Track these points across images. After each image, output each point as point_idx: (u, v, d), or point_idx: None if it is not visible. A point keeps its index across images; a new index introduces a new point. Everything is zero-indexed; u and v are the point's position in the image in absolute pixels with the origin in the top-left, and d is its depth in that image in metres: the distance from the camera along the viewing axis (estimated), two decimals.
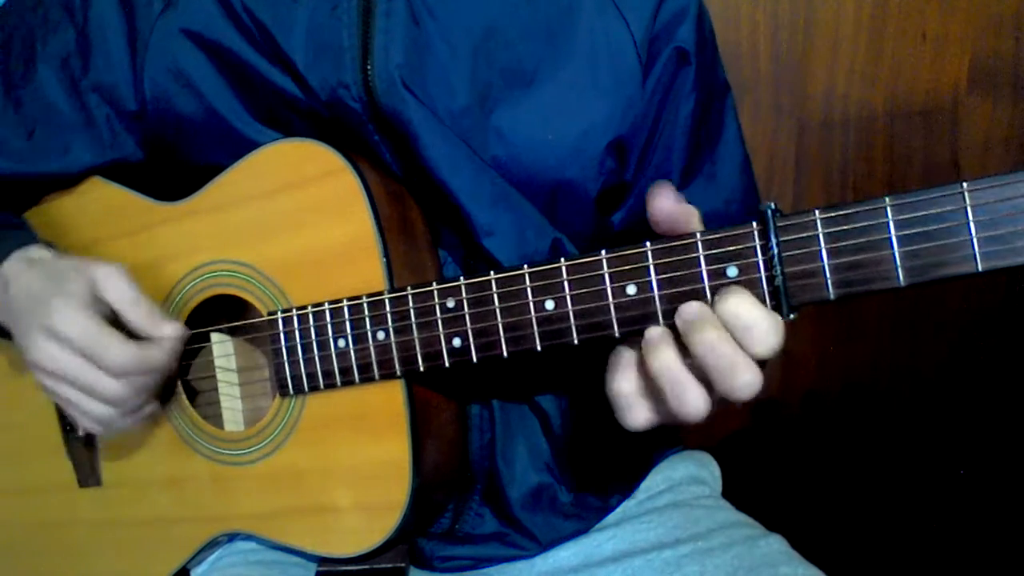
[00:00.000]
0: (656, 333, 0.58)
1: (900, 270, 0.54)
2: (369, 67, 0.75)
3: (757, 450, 1.59)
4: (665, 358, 0.57)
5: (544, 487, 0.84)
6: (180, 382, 0.82)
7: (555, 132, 0.77)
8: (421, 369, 0.70)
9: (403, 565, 0.77)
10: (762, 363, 0.57)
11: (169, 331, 0.74)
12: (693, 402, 0.57)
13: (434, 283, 0.69)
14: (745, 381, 0.55)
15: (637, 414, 0.60)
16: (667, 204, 0.59)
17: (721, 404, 0.60)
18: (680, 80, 0.80)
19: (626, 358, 0.60)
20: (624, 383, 0.60)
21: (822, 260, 0.56)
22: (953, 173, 1.44)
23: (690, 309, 0.57)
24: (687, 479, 0.91)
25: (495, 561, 0.85)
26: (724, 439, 1.58)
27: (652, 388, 0.59)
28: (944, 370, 1.54)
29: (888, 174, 1.45)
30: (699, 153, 0.82)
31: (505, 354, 0.66)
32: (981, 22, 1.38)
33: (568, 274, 0.63)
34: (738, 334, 0.55)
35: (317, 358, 0.74)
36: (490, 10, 0.77)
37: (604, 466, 0.87)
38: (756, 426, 1.59)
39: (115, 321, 0.74)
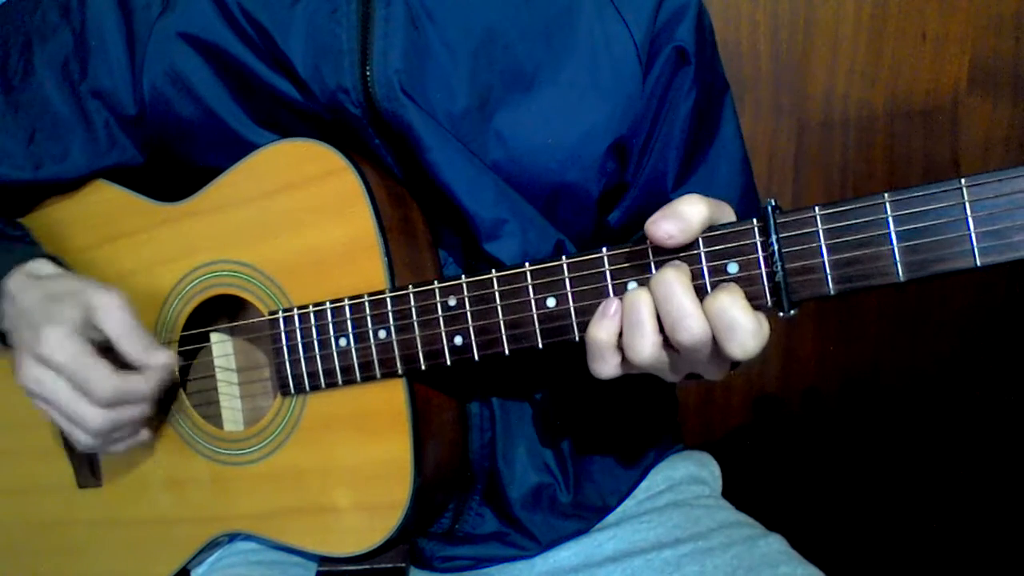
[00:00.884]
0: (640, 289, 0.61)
1: (899, 265, 0.54)
2: (368, 72, 0.75)
3: (757, 449, 1.59)
4: (637, 296, 0.60)
5: (544, 487, 0.83)
6: (180, 382, 0.82)
7: (556, 135, 0.77)
8: (423, 367, 0.70)
9: (403, 565, 0.76)
10: (736, 364, 0.59)
11: (160, 360, 0.74)
12: (643, 345, 0.60)
13: (435, 281, 0.69)
14: (689, 326, 0.58)
15: (607, 364, 0.63)
16: (670, 229, 0.60)
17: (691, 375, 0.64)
18: (679, 79, 0.80)
19: (612, 308, 0.62)
20: (602, 332, 0.62)
21: (822, 256, 0.56)
22: (953, 173, 1.43)
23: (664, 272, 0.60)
24: (687, 479, 0.91)
25: (495, 561, 0.85)
26: (724, 438, 1.58)
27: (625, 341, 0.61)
28: (944, 369, 1.54)
29: (888, 174, 1.45)
30: (696, 152, 0.82)
31: (507, 352, 0.67)
32: (981, 22, 1.38)
33: (569, 271, 0.64)
34: (722, 330, 0.57)
35: (318, 357, 0.74)
36: (489, 13, 0.77)
37: (604, 466, 0.87)
38: (756, 425, 1.59)
39: (108, 347, 0.74)
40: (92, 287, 0.75)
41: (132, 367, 0.74)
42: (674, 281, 0.58)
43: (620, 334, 0.61)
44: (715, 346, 0.59)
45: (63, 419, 0.74)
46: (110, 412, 0.73)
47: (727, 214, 0.62)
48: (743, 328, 0.57)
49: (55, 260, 0.81)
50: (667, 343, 0.60)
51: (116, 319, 0.73)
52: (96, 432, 0.74)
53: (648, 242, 0.60)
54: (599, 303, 0.62)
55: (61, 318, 0.72)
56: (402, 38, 0.75)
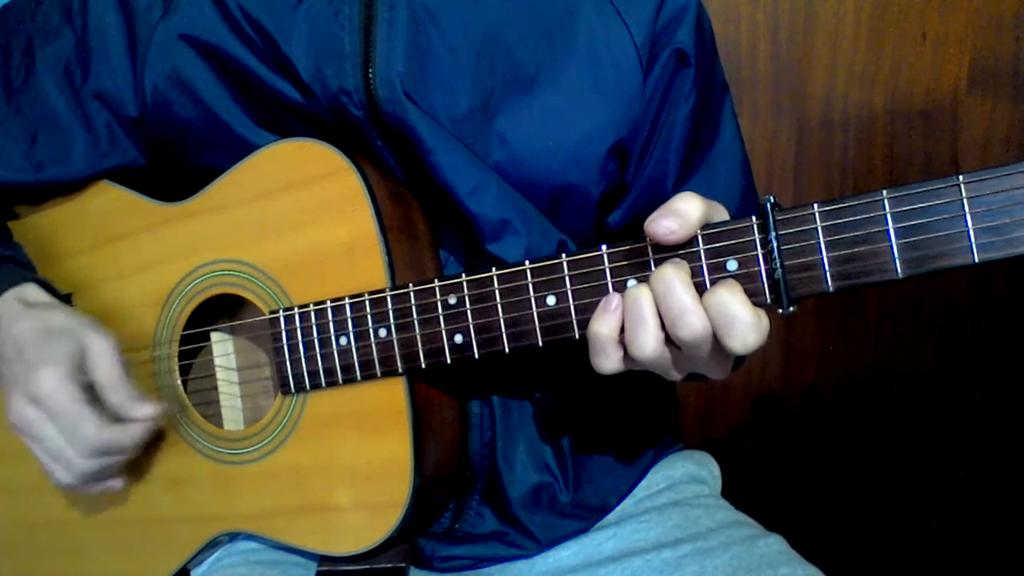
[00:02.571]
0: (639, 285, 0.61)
1: (898, 262, 0.55)
2: (371, 74, 0.75)
3: (757, 449, 1.59)
4: (639, 291, 0.60)
5: (544, 486, 0.83)
6: (181, 382, 0.82)
7: (557, 136, 0.77)
8: (423, 366, 0.70)
9: (403, 565, 0.77)
10: (739, 363, 0.58)
11: (143, 414, 0.75)
12: (645, 341, 0.60)
13: (436, 280, 0.69)
14: (689, 321, 0.58)
15: (610, 359, 0.62)
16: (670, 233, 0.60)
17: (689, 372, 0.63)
18: (679, 81, 0.80)
19: (614, 303, 0.61)
20: (603, 327, 0.61)
21: (821, 253, 0.56)
22: (953, 173, 1.43)
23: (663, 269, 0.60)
24: (687, 478, 0.91)
25: (495, 561, 0.85)
26: (724, 437, 1.58)
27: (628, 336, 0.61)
28: (944, 368, 1.54)
29: (888, 174, 1.46)
30: (696, 153, 0.82)
31: (507, 350, 0.67)
32: (981, 22, 1.39)
33: (569, 269, 0.64)
34: (722, 325, 0.57)
35: (319, 356, 0.74)
36: (491, 15, 0.77)
37: (604, 465, 0.87)
38: (756, 424, 1.59)
39: (94, 394, 0.75)
40: (86, 328, 0.76)
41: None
42: (673, 277, 0.58)
43: (622, 330, 0.61)
44: (716, 342, 0.59)
45: (46, 459, 0.76)
46: (93, 460, 0.75)
47: (721, 213, 0.62)
48: (743, 322, 0.57)
49: (44, 285, 0.81)
50: (668, 340, 0.60)
51: (106, 368, 0.74)
52: (78, 475, 0.76)
53: (647, 240, 0.61)
54: (599, 301, 0.62)
55: (56, 358, 0.73)
56: (405, 41, 0.75)
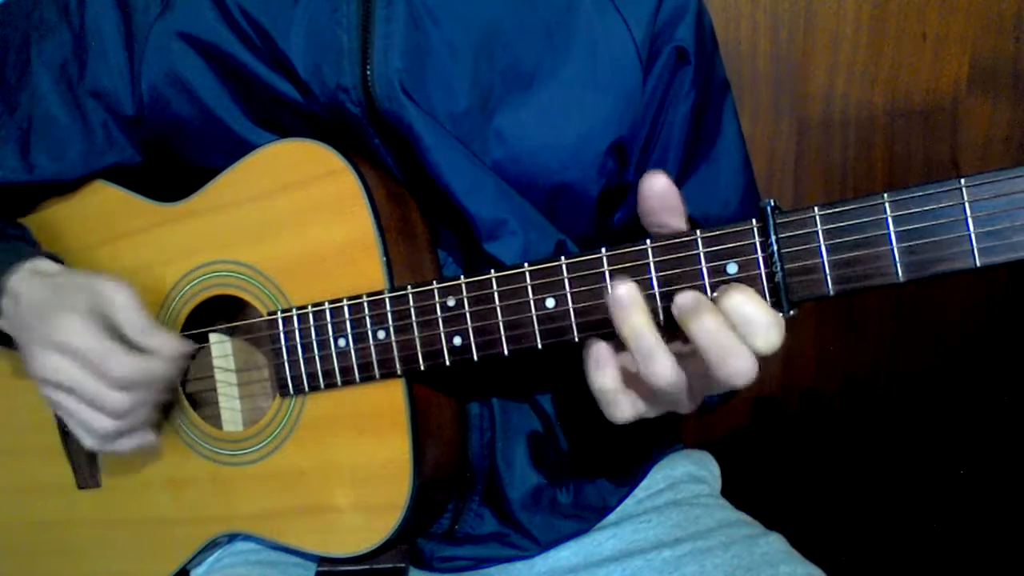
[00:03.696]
0: (625, 292, 0.57)
1: (899, 266, 0.54)
2: (368, 71, 0.74)
3: (756, 448, 1.59)
4: (636, 321, 0.56)
5: (544, 487, 0.84)
6: (179, 383, 0.82)
7: (556, 134, 0.77)
8: (422, 368, 0.70)
9: (403, 565, 0.77)
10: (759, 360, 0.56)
11: (169, 343, 0.74)
12: (662, 371, 0.56)
13: (435, 282, 0.69)
14: (740, 366, 0.54)
15: (622, 408, 0.60)
16: (661, 182, 0.59)
17: (709, 399, 0.61)
18: (679, 79, 0.80)
19: (603, 352, 0.59)
20: (605, 379, 0.59)
21: (821, 256, 0.56)
22: (953, 173, 1.44)
23: (686, 297, 0.57)
24: (687, 477, 0.91)
25: (495, 561, 0.85)
26: (723, 437, 1.58)
27: (631, 378, 0.59)
28: (944, 369, 1.54)
29: (888, 174, 1.45)
30: (696, 153, 0.82)
31: (506, 352, 0.67)
32: (981, 22, 1.38)
33: (568, 272, 0.63)
34: (740, 329, 0.55)
35: (317, 358, 0.74)
36: (490, 12, 0.77)
37: (604, 466, 0.87)
38: (755, 424, 1.59)
39: (118, 335, 0.74)
40: (99, 278, 0.75)
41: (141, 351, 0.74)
42: (643, 323, 0.56)
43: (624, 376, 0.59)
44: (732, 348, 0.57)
45: (82, 406, 0.73)
46: (129, 395, 0.73)
47: None
48: (763, 322, 0.54)
49: (55, 259, 0.81)
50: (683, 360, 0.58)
51: (124, 302, 0.73)
52: (115, 411, 0.73)
53: (648, 242, 0.60)
54: (599, 303, 0.62)
55: (73, 305, 0.72)
56: (403, 38, 0.75)
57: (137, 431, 0.77)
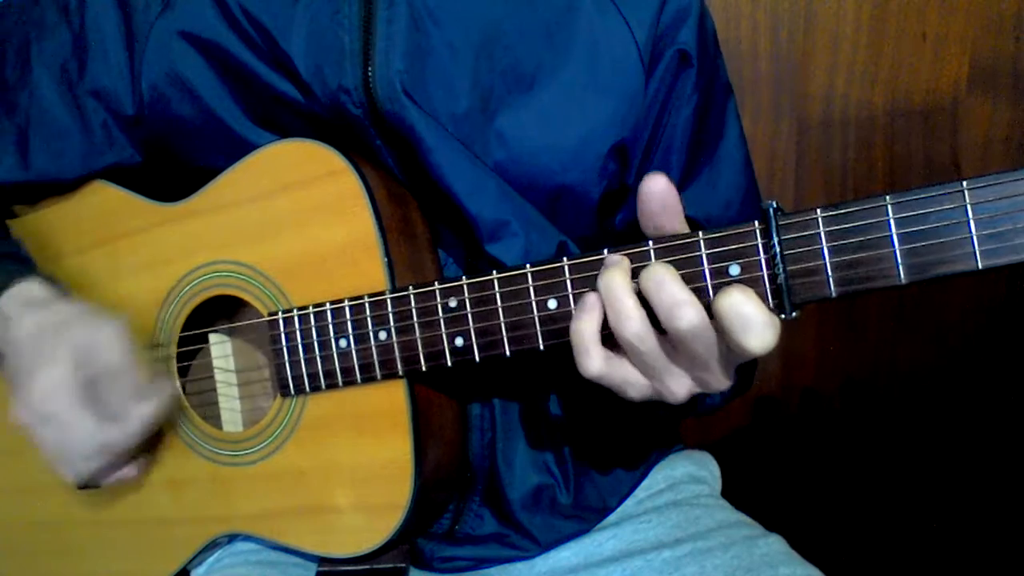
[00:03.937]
0: (614, 258, 0.60)
1: (901, 268, 0.54)
2: (370, 72, 0.74)
3: (756, 449, 1.59)
4: (611, 275, 0.58)
5: (544, 488, 0.83)
6: (179, 383, 0.82)
7: (557, 135, 0.77)
8: (423, 369, 0.70)
9: (403, 566, 0.76)
10: (753, 362, 0.57)
11: (144, 414, 0.75)
12: (632, 327, 0.57)
13: (436, 283, 0.69)
14: (687, 316, 0.56)
15: (592, 360, 0.60)
16: (661, 184, 0.59)
17: (710, 399, 0.63)
18: (681, 82, 0.80)
19: (591, 301, 0.60)
20: (585, 324, 0.60)
21: (824, 258, 0.56)
22: (953, 173, 1.44)
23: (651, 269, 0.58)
24: (687, 478, 0.91)
25: (495, 562, 0.85)
26: (723, 438, 1.58)
27: (609, 338, 0.60)
28: (944, 369, 1.54)
29: (888, 174, 1.45)
30: (699, 156, 0.82)
31: (508, 353, 0.67)
32: (981, 22, 1.38)
33: (570, 273, 0.63)
34: (736, 329, 0.55)
35: (318, 358, 0.74)
36: (491, 13, 0.76)
37: (604, 466, 0.87)
38: (755, 424, 1.59)
39: (96, 395, 0.74)
40: (91, 317, 0.75)
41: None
42: (663, 272, 0.57)
43: (605, 328, 0.60)
44: (723, 343, 0.57)
45: (49, 458, 0.76)
46: (92, 462, 0.75)
47: None
48: (759, 321, 0.54)
49: (48, 280, 0.80)
50: (666, 341, 0.59)
51: (109, 370, 0.74)
52: (78, 476, 0.77)
53: (650, 243, 0.60)
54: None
55: (54, 358, 0.73)
56: (404, 39, 0.75)
57: (114, 473, 0.80)
